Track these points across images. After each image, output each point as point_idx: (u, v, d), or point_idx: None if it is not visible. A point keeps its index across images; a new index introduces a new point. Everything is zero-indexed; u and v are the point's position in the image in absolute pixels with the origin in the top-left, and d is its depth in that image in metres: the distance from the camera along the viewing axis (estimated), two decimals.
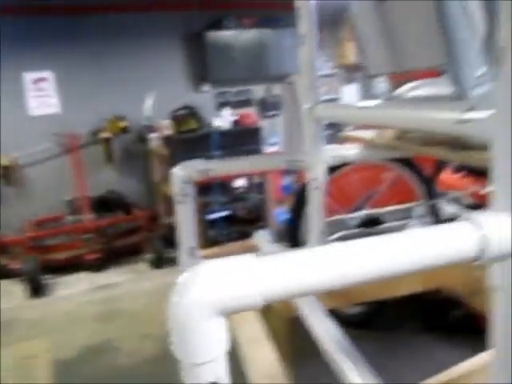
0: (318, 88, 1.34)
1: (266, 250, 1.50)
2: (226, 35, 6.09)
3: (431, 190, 1.87)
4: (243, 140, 4.68)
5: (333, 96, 7.61)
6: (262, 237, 1.61)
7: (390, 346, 2.50)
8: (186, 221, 1.33)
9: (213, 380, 0.48)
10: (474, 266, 0.56)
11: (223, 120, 5.00)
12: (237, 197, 4.98)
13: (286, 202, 6.46)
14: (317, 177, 1.41)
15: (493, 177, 0.60)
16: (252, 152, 4.77)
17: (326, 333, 0.98)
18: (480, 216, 0.57)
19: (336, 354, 0.92)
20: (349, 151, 1.47)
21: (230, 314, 0.47)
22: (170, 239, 4.79)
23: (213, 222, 4.64)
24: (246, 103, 6.42)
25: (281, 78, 6.83)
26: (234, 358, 1.24)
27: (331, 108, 1.29)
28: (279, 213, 5.58)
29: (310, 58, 1.34)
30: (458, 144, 1.01)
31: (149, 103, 5.33)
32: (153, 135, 5.17)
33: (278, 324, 1.28)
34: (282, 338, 1.14)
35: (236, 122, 5.00)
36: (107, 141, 4.87)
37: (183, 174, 1.28)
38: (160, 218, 5.15)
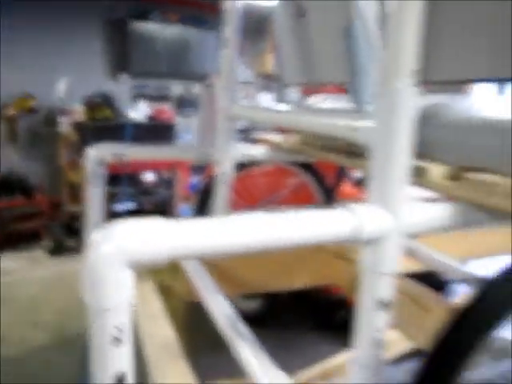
0: (235, 89, 1.44)
1: None
2: (151, 27, 6.03)
3: (331, 199, 2.03)
4: (157, 135, 4.68)
5: (249, 103, 7.80)
6: None
7: (281, 342, 2.66)
8: (95, 201, 1.36)
9: (117, 324, 0.55)
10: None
11: (139, 112, 4.96)
12: (145, 190, 4.95)
13: (192, 200, 6.53)
14: (225, 171, 1.50)
15: (371, 176, 0.73)
16: None
17: (225, 317, 1.07)
18: (356, 205, 0.69)
19: (234, 338, 1.00)
20: (257, 151, 1.58)
21: (138, 267, 0.54)
22: (71, 227, 4.65)
23: (118, 214, 4.57)
24: (163, 98, 6.40)
25: (201, 78, 6.90)
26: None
27: (245, 108, 1.39)
28: (185, 209, 5.63)
29: (231, 59, 1.44)
30: (352, 152, 1.16)
31: (61, 85, 5.13)
32: (63, 119, 4.98)
33: (177, 306, 1.35)
34: (180, 320, 1.21)
35: (151, 116, 4.97)
36: (12, 119, 4.61)
37: (97, 155, 1.31)
38: (63, 205, 4.97)
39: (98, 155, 1.31)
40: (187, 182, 6.09)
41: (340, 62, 1.15)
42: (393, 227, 0.70)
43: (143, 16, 5.99)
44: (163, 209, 5.08)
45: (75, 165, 4.67)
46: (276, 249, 0.61)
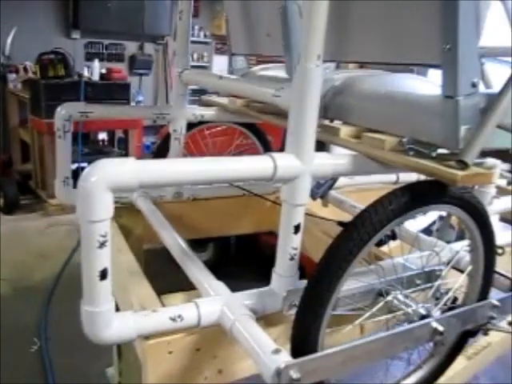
0: (188, 54, 1.64)
1: None
2: None
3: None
4: (112, 94, 4.73)
5: (204, 64, 7.85)
6: None
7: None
8: (63, 154, 1.55)
9: (102, 232, 0.77)
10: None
11: (93, 71, 4.97)
12: (99, 150, 5.03)
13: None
14: (178, 129, 1.72)
15: (288, 133, 0.97)
16: None
17: (179, 248, 1.30)
18: (276, 154, 0.93)
19: (186, 261, 1.24)
20: (206, 112, 1.80)
21: (117, 190, 0.77)
22: (23, 186, 4.70)
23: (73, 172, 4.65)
24: (116, 57, 6.38)
25: (154, 38, 6.89)
26: None
27: (196, 75, 1.60)
28: None
29: (185, 25, 1.62)
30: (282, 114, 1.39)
31: (8, 40, 5.05)
32: (13, 76, 4.93)
33: (137, 245, 1.58)
34: (139, 258, 1.42)
35: (105, 75, 5.00)
36: None
37: (66, 113, 1.49)
38: (14, 164, 4.98)
39: (67, 113, 1.49)
40: (140, 142, 6.17)
41: (277, 37, 1.37)
42: (302, 170, 0.95)
43: None
44: None
45: (26, 124, 4.68)
46: (213, 182, 0.85)
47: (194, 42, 7.74)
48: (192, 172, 0.83)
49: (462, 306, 1.15)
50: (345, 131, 1.13)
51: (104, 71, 5.07)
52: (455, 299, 1.17)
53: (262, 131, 2.15)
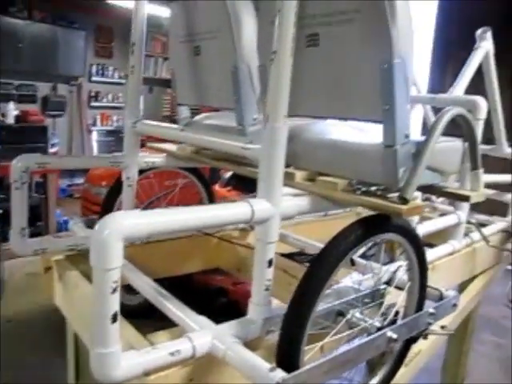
0: (139, 106, 1.75)
1: (81, 235, 1.81)
2: (14, 23, 5.80)
3: (211, 196, 2.41)
4: (28, 138, 4.64)
5: (119, 104, 7.85)
6: (76, 224, 1.91)
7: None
8: (20, 205, 1.58)
9: (115, 279, 0.87)
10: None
11: (7, 114, 4.83)
12: None
13: (63, 204, 6.44)
14: (130, 176, 1.81)
15: (259, 181, 1.13)
16: (37, 150, 4.70)
17: (151, 288, 1.40)
18: (252, 200, 1.09)
19: (162, 301, 1.33)
20: (157, 159, 1.91)
21: (128, 239, 0.87)
22: None
23: None
24: (28, 99, 6.21)
25: (68, 79, 6.82)
26: None
27: (149, 125, 1.72)
28: (58, 214, 5.59)
29: (136, 79, 1.74)
30: (236, 161, 1.55)
31: None
32: None
33: None
34: None
35: (20, 118, 4.87)
36: None
37: (23, 165, 1.53)
38: None
39: (24, 165, 1.53)
40: (58, 186, 6.00)
41: (227, 90, 1.54)
42: (273, 212, 1.11)
43: (4, 11, 5.73)
44: (35, 213, 5.00)
45: None
46: (207, 227, 0.98)
47: (108, 83, 7.75)
48: (188, 220, 0.96)
49: (404, 317, 1.36)
50: (299, 175, 1.32)
51: (19, 113, 4.95)
52: (397, 313, 1.37)
53: (201, 172, 2.29)
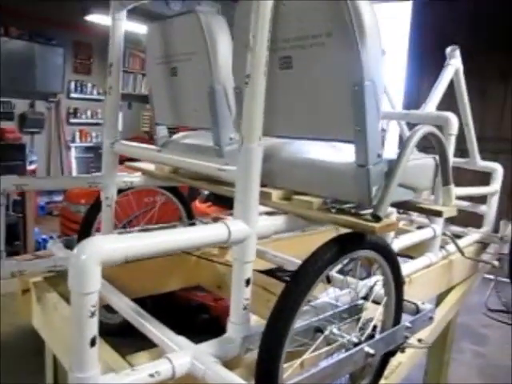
0: (117, 126, 1.76)
1: (60, 256, 1.80)
2: None
3: (190, 213, 2.42)
4: (6, 156, 4.59)
5: (98, 120, 7.82)
6: (55, 245, 1.90)
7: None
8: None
9: (93, 303, 0.88)
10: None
11: None
12: None
13: (42, 222, 6.36)
14: (109, 196, 1.81)
15: (235, 201, 1.15)
16: (15, 168, 4.67)
17: (130, 309, 1.40)
18: (230, 221, 1.10)
19: (141, 321, 1.34)
20: (135, 178, 1.92)
21: (106, 264, 0.88)
22: None
23: None
24: (5, 116, 6.15)
25: (46, 96, 6.77)
26: None
27: (126, 146, 1.73)
28: (37, 232, 5.51)
29: (115, 99, 1.75)
30: (214, 180, 1.57)
31: None
32: None
33: None
34: None
35: None
36: None
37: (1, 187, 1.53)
38: None
39: (1, 187, 1.53)
40: (36, 204, 5.93)
41: (204, 111, 1.56)
42: (250, 232, 1.13)
43: None
44: (15, 232, 4.94)
45: None
46: (184, 250, 0.99)
47: (87, 100, 7.72)
48: (166, 243, 0.97)
49: (382, 331, 1.38)
50: (275, 194, 1.34)
51: None
52: (375, 327, 1.40)
53: (179, 190, 2.30)
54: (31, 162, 6.24)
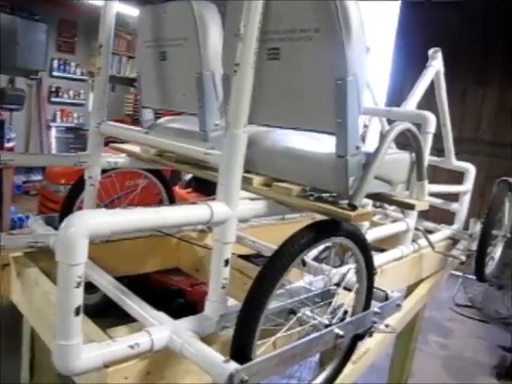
0: (105, 108, 1.78)
1: (41, 232, 1.82)
2: None
3: (171, 197, 2.46)
4: None
5: (80, 101, 7.73)
6: (35, 222, 1.92)
7: None
8: None
9: (79, 274, 0.92)
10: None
11: None
12: None
13: (18, 201, 6.30)
14: (93, 176, 1.84)
15: (218, 184, 1.20)
16: None
17: (111, 285, 1.44)
18: (213, 202, 1.15)
19: (122, 297, 1.37)
20: (120, 159, 1.95)
21: (93, 237, 0.92)
22: None
23: None
24: None
25: (27, 72, 6.66)
26: None
27: (113, 127, 1.75)
28: (13, 211, 5.46)
29: (103, 80, 1.77)
30: (198, 164, 1.61)
31: None
32: None
33: None
34: None
35: None
36: None
37: None
38: None
39: None
40: (12, 181, 5.86)
41: (192, 96, 1.60)
42: (231, 214, 1.18)
43: None
44: None
45: None
46: (169, 227, 1.04)
47: (70, 79, 7.62)
48: (152, 219, 1.02)
49: (353, 316, 1.45)
50: (257, 181, 1.39)
51: None
52: (346, 312, 1.46)
53: (162, 173, 2.34)
54: (9, 140, 6.15)
